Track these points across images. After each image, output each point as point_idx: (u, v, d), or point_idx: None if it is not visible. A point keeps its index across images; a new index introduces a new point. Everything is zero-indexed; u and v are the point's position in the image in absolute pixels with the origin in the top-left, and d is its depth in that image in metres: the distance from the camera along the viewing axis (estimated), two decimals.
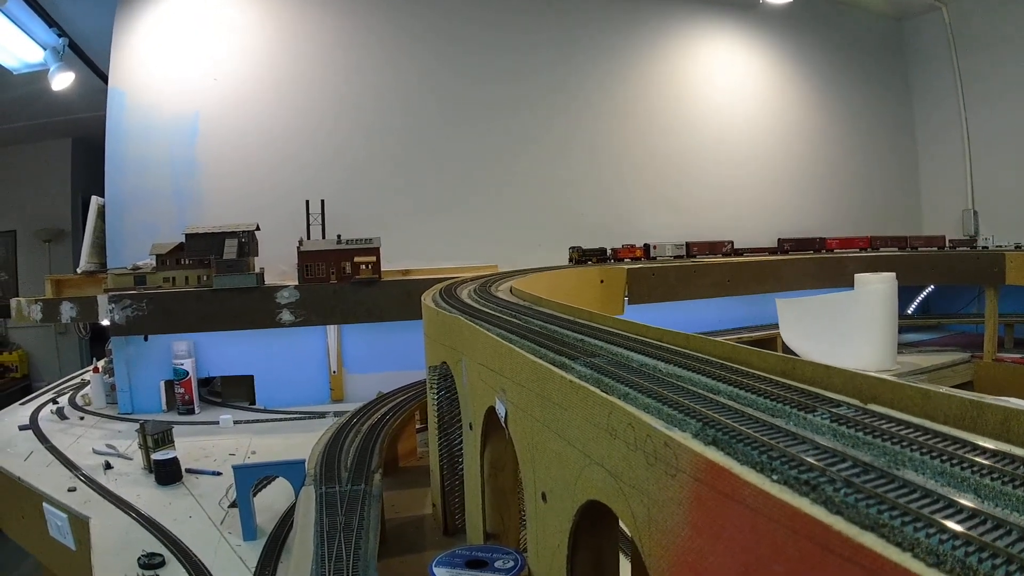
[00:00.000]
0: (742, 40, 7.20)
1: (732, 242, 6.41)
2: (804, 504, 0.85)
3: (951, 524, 0.78)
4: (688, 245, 6.18)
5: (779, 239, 6.77)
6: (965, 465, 0.94)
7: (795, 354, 5.06)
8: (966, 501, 0.85)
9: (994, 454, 0.98)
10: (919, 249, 6.89)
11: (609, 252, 5.88)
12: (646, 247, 6.01)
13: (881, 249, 6.86)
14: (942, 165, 7.80)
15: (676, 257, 6.07)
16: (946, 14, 7.53)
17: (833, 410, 1.19)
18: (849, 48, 7.74)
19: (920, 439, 1.04)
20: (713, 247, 6.28)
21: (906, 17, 8.00)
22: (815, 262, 6.33)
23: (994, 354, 5.91)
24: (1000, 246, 6.90)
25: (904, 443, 1.03)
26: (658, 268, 5.49)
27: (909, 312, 7.19)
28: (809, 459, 0.97)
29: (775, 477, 0.93)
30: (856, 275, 5.34)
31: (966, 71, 7.47)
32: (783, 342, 5.60)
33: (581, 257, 5.69)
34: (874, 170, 7.78)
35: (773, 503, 0.88)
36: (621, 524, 1.52)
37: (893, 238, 6.97)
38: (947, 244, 6.99)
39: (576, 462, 1.42)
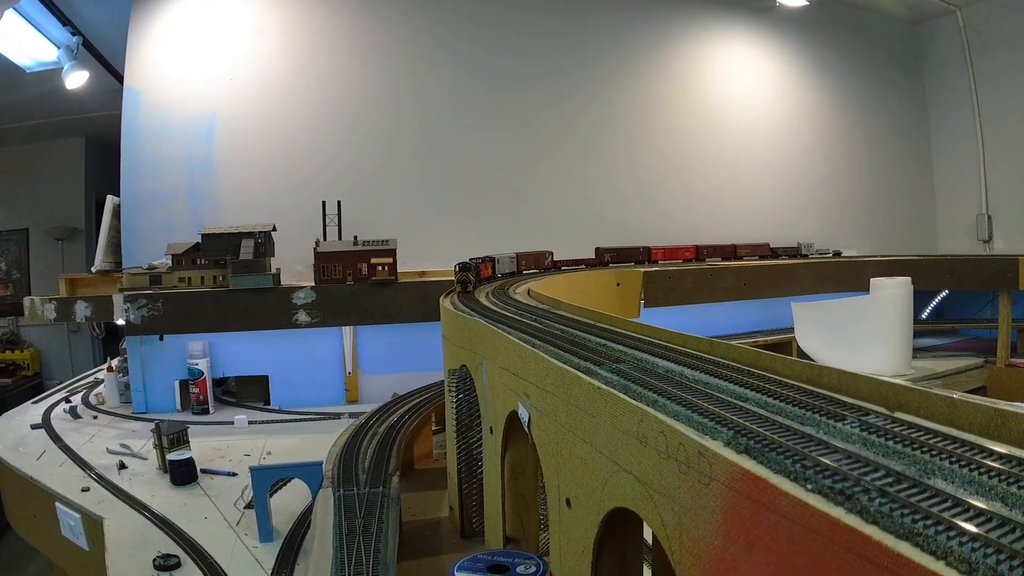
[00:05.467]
0: (758, 43, 7.18)
1: (552, 252, 5.51)
2: (840, 514, 0.86)
3: (982, 532, 0.79)
4: (518, 257, 5.20)
5: (596, 248, 5.82)
6: (992, 474, 0.95)
7: (809, 358, 5.06)
8: (995, 509, 0.86)
9: (1020, 462, 0.99)
10: (744, 258, 6.46)
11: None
12: (492, 262, 4.93)
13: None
14: (957, 169, 7.76)
15: (506, 274, 4.99)
16: (961, 18, 7.50)
17: (862, 418, 1.20)
18: (864, 51, 7.71)
19: (948, 448, 1.05)
20: (537, 259, 5.40)
21: (921, 21, 7.97)
22: (834, 266, 6.30)
23: (1007, 359, 5.88)
24: (818, 256, 6.82)
25: (933, 452, 1.04)
26: (675, 272, 5.48)
27: (923, 317, 7.15)
28: (843, 468, 0.97)
29: (809, 486, 0.94)
30: (872, 279, 5.30)
31: (981, 75, 7.43)
32: (798, 346, 5.58)
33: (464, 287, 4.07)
34: (888, 174, 7.75)
35: (810, 512, 0.88)
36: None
37: (718, 247, 6.45)
38: (770, 251, 6.69)
39: (603, 468, 1.42)
